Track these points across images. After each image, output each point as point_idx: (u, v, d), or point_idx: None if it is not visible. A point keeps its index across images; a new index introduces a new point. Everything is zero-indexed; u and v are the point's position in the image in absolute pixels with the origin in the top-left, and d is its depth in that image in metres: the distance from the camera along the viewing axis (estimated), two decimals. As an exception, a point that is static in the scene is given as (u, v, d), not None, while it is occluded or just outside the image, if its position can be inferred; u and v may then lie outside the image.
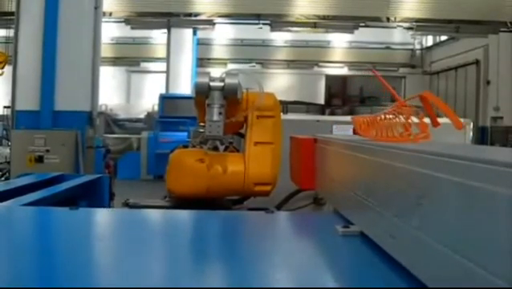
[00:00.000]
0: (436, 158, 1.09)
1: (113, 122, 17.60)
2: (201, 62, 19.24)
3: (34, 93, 7.77)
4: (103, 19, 9.09)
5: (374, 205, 1.49)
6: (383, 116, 1.84)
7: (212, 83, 2.60)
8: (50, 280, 1.29)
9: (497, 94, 17.20)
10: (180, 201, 2.73)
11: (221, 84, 2.60)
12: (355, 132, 3.92)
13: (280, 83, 20.85)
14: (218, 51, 21.86)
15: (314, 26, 16.49)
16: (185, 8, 16.36)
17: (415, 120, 1.69)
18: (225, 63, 20.77)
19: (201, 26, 16.97)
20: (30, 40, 7.89)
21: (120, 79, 21.71)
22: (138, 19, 16.58)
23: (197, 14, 16.56)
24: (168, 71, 16.95)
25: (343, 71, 22.85)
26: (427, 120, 1.70)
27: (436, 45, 21.75)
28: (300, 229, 2.06)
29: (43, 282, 1.25)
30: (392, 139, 1.70)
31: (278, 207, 3.18)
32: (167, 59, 17.13)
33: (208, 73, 2.68)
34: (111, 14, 15.75)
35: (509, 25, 16.45)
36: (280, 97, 3.03)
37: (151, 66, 21.88)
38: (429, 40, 22.28)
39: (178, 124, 12.87)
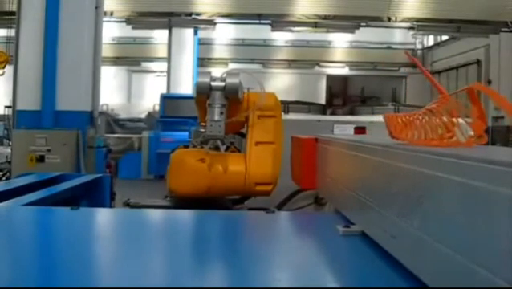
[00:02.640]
0: (437, 158, 1.09)
1: (114, 122, 17.59)
2: (202, 62, 19.21)
3: (35, 93, 7.77)
4: (104, 19, 9.08)
5: (375, 204, 1.49)
6: (423, 115, 1.53)
7: (213, 83, 2.60)
8: (51, 280, 1.29)
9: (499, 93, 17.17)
10: (181, 201, 2.73)
11: (222, 84, 2.60)
12: (356, 132, 3.92)
13: (281, 82, 20.83)
14: (219, 51, 21.83)
15: (315, 25, 16.48)
16: (186, 8, 16.35)
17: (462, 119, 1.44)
18: (226, 63, 20.76)
19: (202, 26, 16.96)
20: (31, 40, 7.89)
21: (121, 78, 21.69)
22: (139, 19, 16.57)
23: (198, 14, 16.56)
24: (169, 71, 16.94)
25: (344, 70, 22.82)
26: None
27: (437, 45, 21.73)
28: (301, 229, 2.06)
29: (44, 282, 1.25)
30: (437, 143, 1.39)
31: (279, 207, 3.18)
32: (168, 59, 17.11)
33: (209, 73, 2.68)
34: (112, 13, 15.74)
35: (510, 25, 16.43)
36: (281, 97, 3.03)
37: (152, 66, 21.86)
38: (430, 40, 22.26)
39: (179, 123, 12.87)
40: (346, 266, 1.50)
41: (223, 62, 20.85)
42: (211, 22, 16.71)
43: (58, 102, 7.82)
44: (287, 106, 16.67)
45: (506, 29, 16.55)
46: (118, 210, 2.87)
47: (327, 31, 17.83)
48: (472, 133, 1.42)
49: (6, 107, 12.73)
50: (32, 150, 7.45)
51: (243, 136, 3.06)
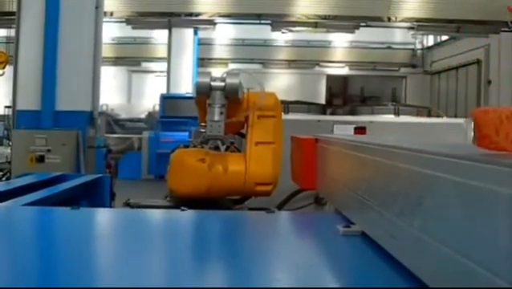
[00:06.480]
0: (437, 158, 1.09)
1: (114, 122, 17.58)
2: (202, 62, 19.21)
3: (35, 93, 7.78)
4: (104, 19, 9.08)
5: (375, 204, 1.49)
6: None
7: (213, 83, 2.60)
8: (52, 280, 1.29)
9: (498, 94, 17.16)
10: (182, 201, 2.73)
11: (222, 84, 2.60)
12: (356, 132, 3.92)
13: (281, 82, 20.82)
14: (219, 51, 21.83)
15: (315, 25, 16.47)
16: (186, 8, 16.35)
17: None
18: (226, 63, 20.75)
19: (202, 26, 16.96)
20: (30, 40, 7.89)
21: (121, 78, 21.69)
22: (139, 19, 16.58)
23: (197, 14, 16.55)
24: (169, 71, 16.94)
25: (344, 70, 22.83)
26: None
27: (437, 45, 21.72)
28: (301, 229, 2.06)
29: (44, 283, 1.25)
30: None
31: (279, 207, 3.18)
32: (168, 59, 17.11)
33: (209, 73, 2.69)
34: (112, 13, 15.74)
35: (510, 25, 16.42)
36: (281, 97, 3.03)
37: (152, 66, 21.86)
38: (430, 40, 22.25)
39: (179, 123, 12.86)
40: (346, 266, 1.50)
41: (223, 62, 20.83)
42: (211, 22, 16.71)
43: (58, 102, 7.82)
44: (287, 106, 16.66)
45: (506, 29, 16.54)
46: (118, 210, 2.87)
47: (327, 31, 17.83)
48: None
49: (5, 107, 12.73)
50: (32, 150, 7.45)
51: (243, 136, 3.06)
